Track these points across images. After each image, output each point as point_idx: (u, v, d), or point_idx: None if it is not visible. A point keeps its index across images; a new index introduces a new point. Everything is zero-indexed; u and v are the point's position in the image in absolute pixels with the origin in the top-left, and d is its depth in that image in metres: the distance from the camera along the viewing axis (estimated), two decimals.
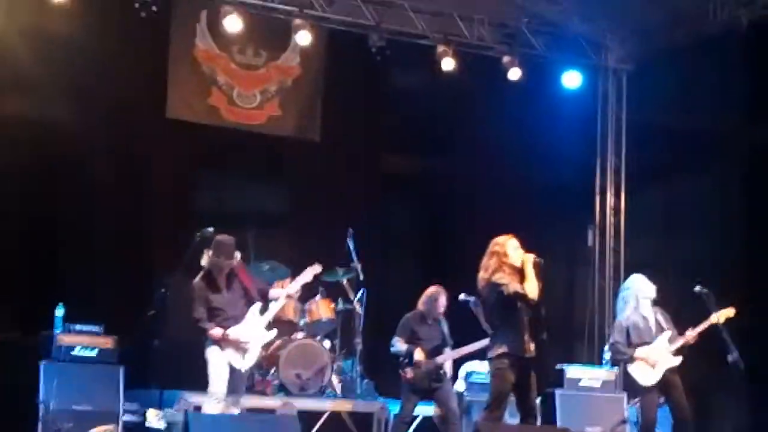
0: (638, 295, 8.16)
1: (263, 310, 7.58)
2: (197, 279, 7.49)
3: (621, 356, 8.19)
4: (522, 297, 6.94)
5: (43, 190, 9.11)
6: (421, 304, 8.70)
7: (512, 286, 6.93)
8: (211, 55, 10.47)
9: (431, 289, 8.71)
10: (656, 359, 7.98)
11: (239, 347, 7.40)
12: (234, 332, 7.40)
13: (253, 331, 7.49)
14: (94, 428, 4.60)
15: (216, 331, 7.38)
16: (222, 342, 7.35)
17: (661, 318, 8.16)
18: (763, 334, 8.24)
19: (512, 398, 7.32)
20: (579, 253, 11.36)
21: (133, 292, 9.09)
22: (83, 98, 9.50)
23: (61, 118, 9.38)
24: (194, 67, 10.41)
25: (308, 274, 8.00)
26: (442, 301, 8.63)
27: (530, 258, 7.11)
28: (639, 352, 8.02)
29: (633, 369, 8.06)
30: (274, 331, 7.73)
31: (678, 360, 8.03)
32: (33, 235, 9.00)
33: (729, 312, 7.86)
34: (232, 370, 7.38)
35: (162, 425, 6.21)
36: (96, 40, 9.41)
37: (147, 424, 6.35)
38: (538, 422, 7.71)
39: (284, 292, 7.87)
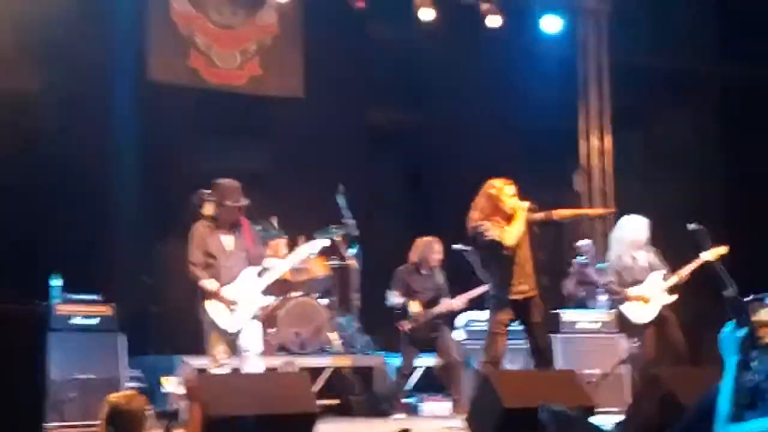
0: (629, 236, 8.22)
1: (261, 272, 7.29)
2: (198, 222, 7.19)
3: (615, 296, 8.27)
4: (497, 244, 7.02)
5: (28, 160, 8.98)
6: (414, 255, 8.69)
7: (491, 232, 7.03)
8: (188, 16, 10.34)
9: (424, 239, 8.71)
10: (651, 296, 8.06)
11: (230, 307, 7.07)
12: (227, 290, 7.08)
13: (247, 293, 7.15)
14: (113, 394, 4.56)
15: (210, 284, 7.04)
16: (214, 298, 7.04)
17: (653, 257, 8.23)
18: (744, 272, 8.31)
19: (511, 344, 7.44)
20: (566, 197, 11.37)
21: (127, 259, 9.05)
22: (61, 63, 9.34)
23: (38, 84, 9.23)
24: (172, 29, 10.27)
25: (316, 246, 7.90)
26: (436, 248, 8.62)
27: (523, 206, 7.15)
28: (632, 291, 8.09)
29: (627, 308, 8.14)
30: (272, 298, 7.52)
31: (672, 297, 8.11)
32: (23, 208, 8.90)
33: (721, 249, 7.92)
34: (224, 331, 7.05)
35: (182, 390, 6.12)
36: (71, 3, 9.25)
37: (164, 390, 6.30)
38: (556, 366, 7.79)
39: (286, 264, 7.66)
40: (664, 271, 8.18)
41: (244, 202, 7.21)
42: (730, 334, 3.37)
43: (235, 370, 7.08)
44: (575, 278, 9.90)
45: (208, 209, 7.19)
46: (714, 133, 11.04)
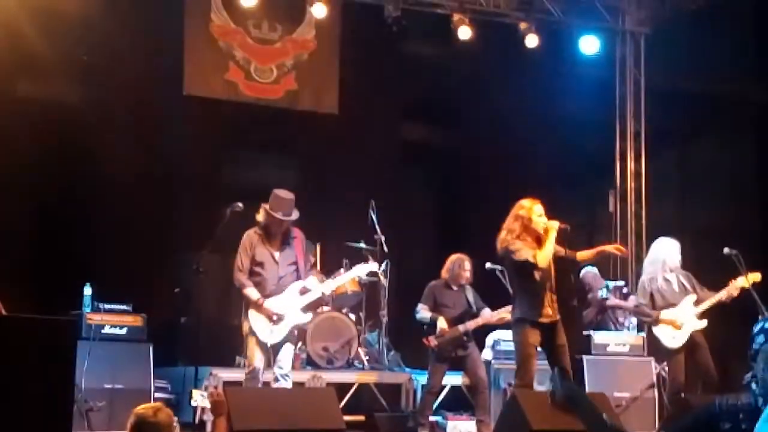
0: (665, 259, 8.15)
1: (304, 290, 7.29)
2: (250, 230, 7.25)
3: (646, 318, 8.20)
4: (530, 265, 6.98)
5: (65, 171, 9.10)
6: (445, 272, 8.68)
7: (523, 252, 6.99)
8: (227, 30, 10.44)
9: (455, 256, 8.70)
10: (682, 321, 7.98)
11: (270, 320, 7.12)
12: (270, 303, 7.12)
13: (288, 308, 7.18)
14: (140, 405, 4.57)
15: (253, 294, 7.10)
16: (255, 308, 7.10)
17: (684, 281, 8.16)
18: None
19: (542, 365, 7.38)
20: (600, 218, 11.32)
21: (158, 270, 9.11)
22: (99, 78, 9.48)
23: (78, 99, 9.39)
24: (210, 42, 10.38)
25: (364, 270, 7.95)
26: (466, 266, 8.61)
27: (554, 225, 7.12)
28: (665, 314, 8.02)
29: (659, 331, 8.07)
30: (309, 316, 7.50)
31: (704, 323, 8.03)
32: (57, 217, 9.01)
33: (756, 276, 7.85)
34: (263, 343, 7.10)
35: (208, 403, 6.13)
36: (110, 17, 9.36)
37: (192, 403, 6.30)
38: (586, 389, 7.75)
39: (333, 284, 7.73)
40: (695, 296, 8.11)
41: (293, 216, 7.21)
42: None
43: (266, 384, 7.09)
44: (596, 309, 9.80)
45: (260, 217, 7.23)
46: (750, 157, 10.92)
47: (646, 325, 8.50)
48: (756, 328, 3.44)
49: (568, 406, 3.01)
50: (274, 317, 7.12)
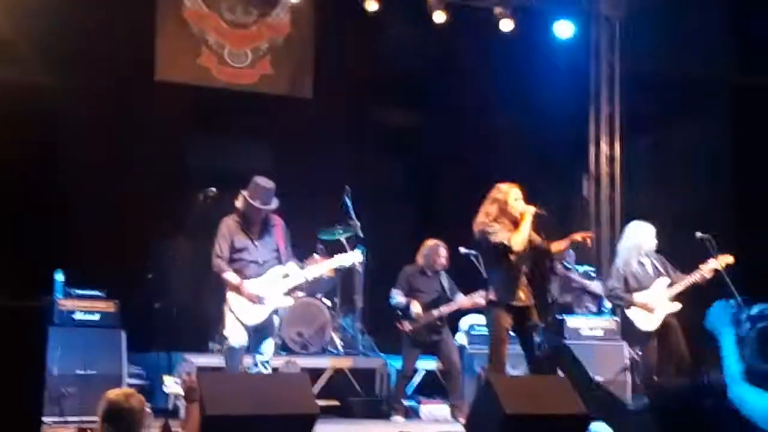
0: (641, 243, 8.18)
1: (285, 275, 7.26)
2: (228, 216, 7.21)
3: (619, 302, 8.24)
4: (505, 248, 7.01)
5: (35, 156, 9.01)
6: (420, 257, 8.69)
7: (499, 235, 7.03)
8: (200, 14, 10.37)
9: (431, 242, 8.70)
10: (656, 305, 8.02)
11: (251, 302, 7.10)
12: (251, 285, 7.11)
13: (270, 291, 7.16)
14: (111, 390, 4.54)
15: (233, 278, 7.09)
16: (236, 291, 7.07)
17: (658, 264, 8.20)
18: (752, 280, 8.27)
19: (514, 350, 7.41)
20: (574, 203, 11.34)
21: (131, 256, 9.06)
22: (70, 63, 9.37)
23: (48, 83, 9.25)
24: (183, 27, 10.30)
25: (348, 259, 7.90)
26: (442, 252, 8.62)
27: (530, 210, 7.14)
28: (638, 297, 8.07)
29: (632, 314, 8.11)
30: (291, 300, 7.51)
31: (677, 306, 8.07)
32: (28, 203, 8.91)
33: (728, 259, 7.89)
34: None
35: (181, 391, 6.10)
36: (80, 2, 9.27)
37: (166, 390, 6.28)
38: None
39: (319, 270, 7.65)
40: (668, 280, 8.15)
41: (272, 206, 7.19)
42: (721, 309, 3.38)
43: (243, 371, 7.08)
44: (559, 284, 9.83)
45: (239, 204, 7.19)
46: (724, 141, 10.97)
47: (619, 308, 8.54)
48: (742, 315, 3.43)
49: (556, 359, 3.03)
50: (255, 299, 7.09)
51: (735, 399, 3.27)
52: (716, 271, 7.86)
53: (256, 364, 7.19)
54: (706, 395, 3.35)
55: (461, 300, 8.53)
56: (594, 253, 10.96)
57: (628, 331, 8.44)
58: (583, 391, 5.21)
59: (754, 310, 3.46)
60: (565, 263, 9.78)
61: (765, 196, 10.71)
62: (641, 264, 8.19)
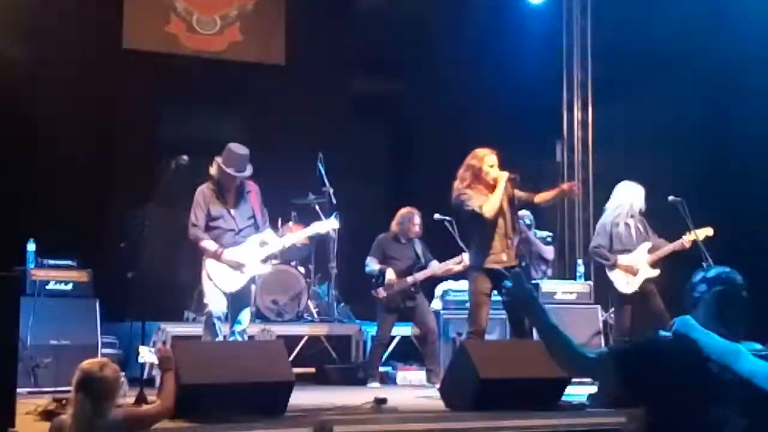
0: (632, 203, 8.20)
1: (263, 242, 7.20)
2: (204, 184, 7.14)
3: (604, 260, 8.23)
4: (477, 215, 7.03)
5: (3, 127, 8.88)
6: (394, 225, 8.70)
7: (471, 202, 7.04)
8: None
9: (404, 210, 8.71)
10: (638, 268, 8.07)
11: (229, 269, 7.03)
12: (229, 253, 7.05)
13: (248, 258, 7.09)
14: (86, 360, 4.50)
15: (210, 245, 7.02)
16: (215, 258, 7.01)
17: (641, 227, 8.23)
18: (724, 249, 8.35)
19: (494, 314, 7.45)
20: (548, 168, 11.37)
21: (104, 225, 9.00)
22: (37, 33, 9.24)
23: (16, 54, 9.12)
24: None
25: (324, 227, 7.81)
26: (416, 220, 8.63)
27: (503, 175, 7.15)
28: (622, 259, 8.10)
29: (614, 275, 8.15)
30: (269, 267, 7.47)
31: (656, 272, 8.12)
32: None
33: (708, 231, 7.96)
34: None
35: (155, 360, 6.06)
36: None
37: (141, 360, 6.24)
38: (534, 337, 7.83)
39: (293, 237, 7.59)
40: (651, 244, 8.18)
41: (246, 172, 7.10)
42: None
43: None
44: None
45: (213, 171, 7.11)
46: (694, 107, 11.00)
47: (603, 266, 8.45)
48: (696, 278, 3.46)
49: (522, 303, 3.03)
50: (235, 265, 7.03)
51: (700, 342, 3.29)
52: (695, 241, 7.93)
53: (233, 333, 7.15)
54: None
55: (435, 267, 8.55)
56: (568, 217, 11.02)
57: (610, 293, 8.45)
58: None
59: (711, 272, 3.48)
60: (524, 221, 9.74)
61: (735, 160, 10.80)
62: (627, 225, 8.22)
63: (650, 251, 8.11)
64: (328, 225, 7.94)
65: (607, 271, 8.21)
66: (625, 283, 8.09)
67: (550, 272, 9.73)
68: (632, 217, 8.21)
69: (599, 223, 8.43)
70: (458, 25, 10.82)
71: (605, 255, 8.17)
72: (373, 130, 11.51)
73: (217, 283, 7.04)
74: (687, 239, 7.99)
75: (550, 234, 10.10)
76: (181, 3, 10.31)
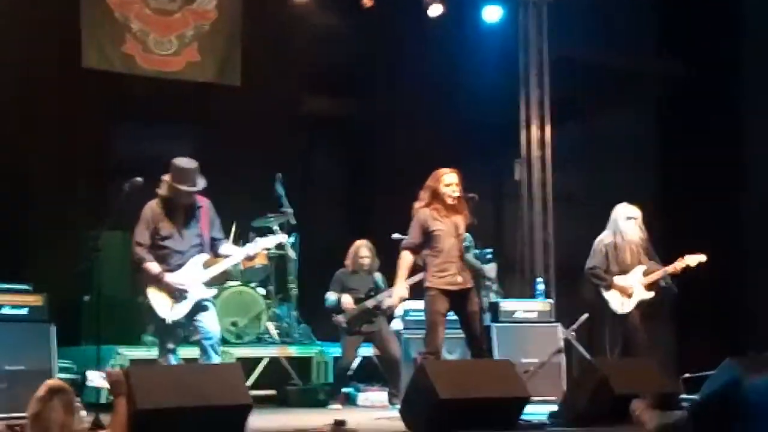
0: (621, 225, 8.20)
1: (207, 264, 6.88)
2: (151, 201, 6.80)
3: (600, 281, 8.23)
4: (433, 234, 7.03)
5: None
6: (347, 259, 8.76)
7: (410, 231, 7.06)
8: (124, 1, 10.15)
9: (355, 243, 8.78)
10: (633, 290, 8.11)
11: (172, 295, 6.72)
12: (172, 277, 6.73)
13: (191, 282, 6.76)
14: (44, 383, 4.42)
15: (153, 267, 6.68)
16: (156, 283, 6.71)
17: (635, 249, 8.22)
18: (674, 252, 8.43)
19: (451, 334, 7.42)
20: (507, 187, 11.39)
21: (58, 249, 8.88)
22: None
23: None
24: (107, 14, 10.06)
25: (273, 241, 7.54)
26: (362, 253, 8.70)
27: (454, 195, 7.16)
28: (618, 280, 8.12)
29: (610, 296, 8.17)
30: (214, 290, 7.10)
31: (651, 294, 8.14)
32: None
33: (701, 257, 8.05)
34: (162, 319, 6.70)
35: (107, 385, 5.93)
36: None
37: (89, 384, 6.12)
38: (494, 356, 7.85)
39: (242, 252, 7.11)
40: (646, 266, 8.20)
41: (198, 186, 6.76)
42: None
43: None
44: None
45: (163, 191, 6.79)
46: (651, 125, 11.13)
47: (600, 287, 8.44)
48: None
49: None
50: (176, 293, 6.75)
51: None
52: (687, 266, 8.02)
53: (205, 350, 6.77)
54: None
55: (378, 297, 8.54)
56: (520, 239, 11.00)
57: (565, 310, 8.46)
58: None
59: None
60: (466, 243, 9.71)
61: (688, 178, 10.92)
62: (622, 247, 8.23)
63: (645, 274, 8.16)
64: (275, 239, 7.68)
65: (602, 291, 8.23)
66: (620, 304, 8.13)
67: (495, 287, 9.69)
68: (628, 238, 8.22)
69: (595, 243, 8.42)
70: (414, 45, 10.84)
71: (601, 275, 8.19)
72: (331, 150, 11.51)
73: (159, 312, 6.75)
74: (679, 265, 8.07)
75: (491, 250, 10.08)
76: (136, 24, 10.23)
